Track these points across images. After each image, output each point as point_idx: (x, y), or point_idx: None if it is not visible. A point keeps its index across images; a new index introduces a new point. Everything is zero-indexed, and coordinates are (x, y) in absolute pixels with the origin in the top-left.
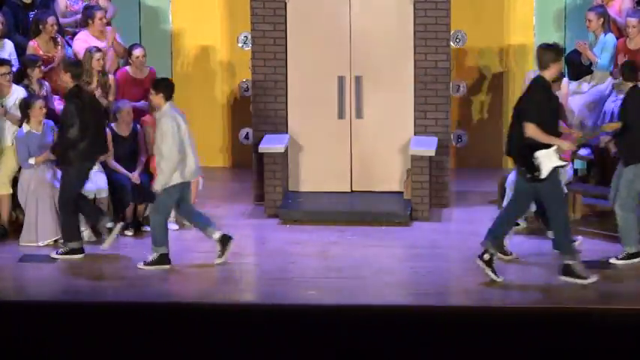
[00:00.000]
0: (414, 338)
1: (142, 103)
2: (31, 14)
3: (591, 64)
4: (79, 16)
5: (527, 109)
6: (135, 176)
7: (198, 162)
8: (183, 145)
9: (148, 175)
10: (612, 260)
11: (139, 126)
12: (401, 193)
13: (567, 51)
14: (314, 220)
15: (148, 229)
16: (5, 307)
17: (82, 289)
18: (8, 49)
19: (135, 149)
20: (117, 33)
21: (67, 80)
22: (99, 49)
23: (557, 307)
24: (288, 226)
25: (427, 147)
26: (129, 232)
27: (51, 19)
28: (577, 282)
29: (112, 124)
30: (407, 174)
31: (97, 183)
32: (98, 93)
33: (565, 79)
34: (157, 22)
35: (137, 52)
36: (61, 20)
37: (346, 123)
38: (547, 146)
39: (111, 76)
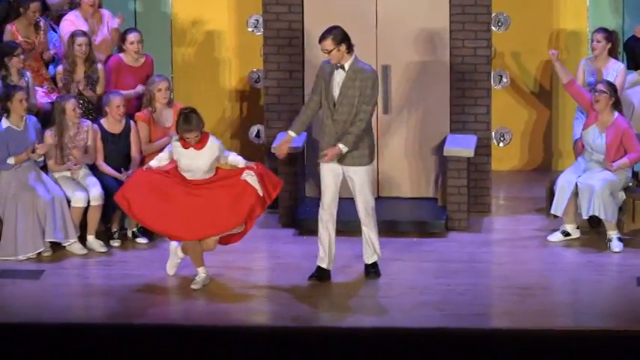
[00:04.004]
0: None
1: (135, 91)
2: None
3: None
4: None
5: None
6: (124, 178)
7: None
8: None
9: None
10: None
11: (132, 122)
12: (435, 199)
13: (625, 37)
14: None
15: (144, 240)
16: None
17: (66, 308)
18: None
19: (128, 149)
20: (113, 17)
21: None
22: (84, 33)
23: (616, 330)
24: (305, 237)
25: (465, 146)
26: (115, 243)
27: (34, 5)
28: None
29: (101, 120)
30: (442, 177)
31: (89, 189)
32: (83, 84)
33: (623, 67)
34: (154, 4)
35: (132, 36)
36: (49, 0)
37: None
38: None
39: (100, 66)
